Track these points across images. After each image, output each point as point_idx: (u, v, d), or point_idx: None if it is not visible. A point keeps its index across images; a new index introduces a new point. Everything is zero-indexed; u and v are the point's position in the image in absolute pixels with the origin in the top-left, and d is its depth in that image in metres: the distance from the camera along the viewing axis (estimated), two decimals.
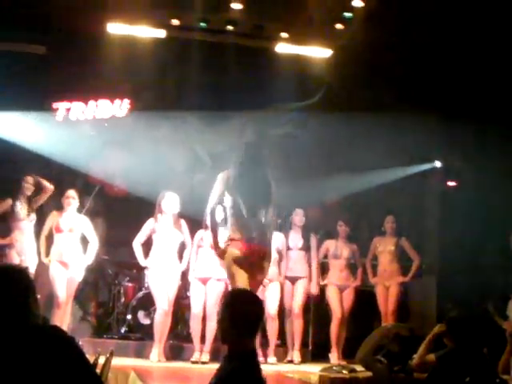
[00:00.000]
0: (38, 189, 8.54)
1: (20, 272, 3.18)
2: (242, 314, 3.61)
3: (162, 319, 8.25)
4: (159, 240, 8.42)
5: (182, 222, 8.52)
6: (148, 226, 8.50)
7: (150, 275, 8.50)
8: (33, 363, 2.88)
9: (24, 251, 8.21)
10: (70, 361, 2.96)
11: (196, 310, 8.35)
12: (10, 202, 8.35)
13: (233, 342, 3.63)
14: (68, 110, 10.27)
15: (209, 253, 8.29)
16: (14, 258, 8.06)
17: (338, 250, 9.20)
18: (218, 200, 6.41)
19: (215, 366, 4.06)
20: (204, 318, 8.32)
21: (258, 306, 3.75)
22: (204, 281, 8.37)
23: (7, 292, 3.02)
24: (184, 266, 8.52)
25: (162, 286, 8.28)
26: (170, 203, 8.44)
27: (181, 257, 8.52)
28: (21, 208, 8.33)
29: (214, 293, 8.30)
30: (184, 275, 8.60)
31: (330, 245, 9.27)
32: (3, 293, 3.02)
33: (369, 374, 6.67)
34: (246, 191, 6.34)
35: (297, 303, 8.88)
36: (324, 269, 9.33)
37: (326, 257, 9.32)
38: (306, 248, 9.04)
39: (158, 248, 8.42)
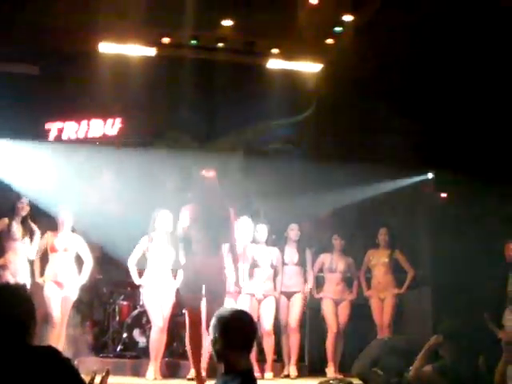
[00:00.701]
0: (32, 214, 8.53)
1: (20, 291, 3.19)
2: (234, 332, 3.60)
3: (157, 337, 8.24)
4: (153, 258, 8.42)
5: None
6: (142, 244, 8.50)
7: (145, 293, 8.49)
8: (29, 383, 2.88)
9: (18, 272, 8.18)
10: (66, 381, 2.96)
11: None
12: (6, 221, 8.33)
13: (228, 361, 3.61)
14: (60, 130, 10.27)
15: None
16: (8, 279, 8.02)
17: (334, 263, 9.19)
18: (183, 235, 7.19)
19: (211, 382, 4.07)
20: None
21: (249, 322, 3.74)
22: None
23: (7, 311, 3.03)
24: (178, 284, 8.52)
25: (156, 303, 8.27)
26: (164, 221, 8.44)
27: (175, 274, 8.52)
28: (17, 228, 8.31)
29: None
30: (179, 293, 8.60)
31: (325, 258, 9.27)
32: (3, 312, 3.02)
33: None
34: (204, 227, 7.08)
35: (293, 318, 8.86)
36: (319, 283, 9.33)
37: (321, 271, 9.32)
38: (302, 263, 9.05)
39: (152, 266, 8.42)
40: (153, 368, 8.14)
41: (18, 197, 8.50)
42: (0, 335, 2.98)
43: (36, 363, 2.94)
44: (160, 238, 8.43)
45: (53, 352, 3.06)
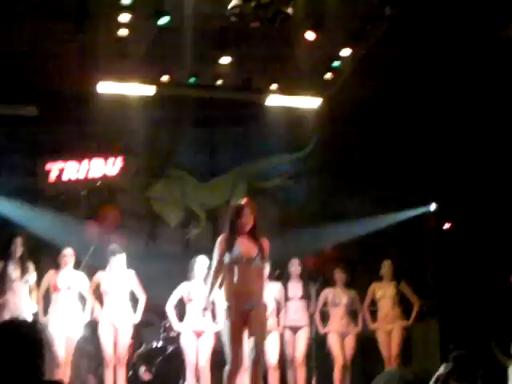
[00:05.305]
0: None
1: (31, 328, 3.20)
2: None
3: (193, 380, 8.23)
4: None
5: None
6: (181, 289, 8.49)
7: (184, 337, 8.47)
8: None
9: (17, 312, 8.11)
10: None
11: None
12: (1, 264, 8.31)
13: None
14: (61, 170, 10.25)
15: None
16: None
17: (337, 297, 9.13)
18: None
19: None
20: None
21: None
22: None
23: (19, 348, 3.02)
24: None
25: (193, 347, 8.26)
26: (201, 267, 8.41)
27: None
28: (13, 269, 8.27)
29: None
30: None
31: (328, 293, 9.21)
32: (15, 349, 3.02)
33: None
34: None
35: (300, 352, 8.81)
36: (324, 317, 9.26)
37: (325, 305, 9.25)
38: (306, 297, 9.00)
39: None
40: None
41: (11, 237, 8.43)
42: (14, 371, 2.99)
43: None
44: (198, 284, 8.40)
45: None
